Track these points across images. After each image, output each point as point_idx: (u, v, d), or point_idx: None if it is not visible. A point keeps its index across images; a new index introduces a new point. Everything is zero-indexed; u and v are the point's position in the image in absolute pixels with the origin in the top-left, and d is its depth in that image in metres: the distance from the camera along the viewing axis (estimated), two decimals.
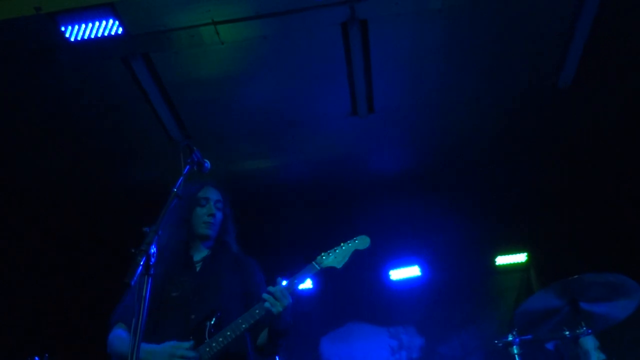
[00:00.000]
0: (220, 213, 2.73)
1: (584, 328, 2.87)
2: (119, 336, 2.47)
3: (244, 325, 2.35)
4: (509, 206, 5.72)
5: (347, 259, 2.55)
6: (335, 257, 2.54)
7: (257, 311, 2.37)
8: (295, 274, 2.48)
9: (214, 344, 2.36)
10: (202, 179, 2.79)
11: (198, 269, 2.64)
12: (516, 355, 3.05)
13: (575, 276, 2.89)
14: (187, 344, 2.33)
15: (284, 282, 2.43)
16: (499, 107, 4.62)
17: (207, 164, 2.26)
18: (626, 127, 4.84)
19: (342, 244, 2.60)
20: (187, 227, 2.64)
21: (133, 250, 1.66)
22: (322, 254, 2.56)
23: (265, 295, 2.33)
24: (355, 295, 5.67)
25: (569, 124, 4.81)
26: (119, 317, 2.55)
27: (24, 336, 5.31)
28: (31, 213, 5.41)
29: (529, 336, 3.12)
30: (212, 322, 2.43)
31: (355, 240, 2.62)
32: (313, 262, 2.54)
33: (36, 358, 2.91)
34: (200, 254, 2.68)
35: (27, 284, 5.54)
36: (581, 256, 5.24)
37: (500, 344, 3.11)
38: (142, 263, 1.63)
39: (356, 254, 2.66)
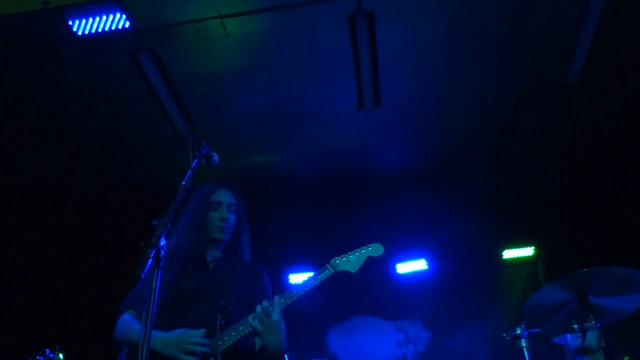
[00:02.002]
0: (234, 216, 2.76)
1: (593, 321, 2.86)
2: (127, 322, 2.50)
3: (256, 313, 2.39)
4: (516, 199, 5.70)
5: (361, 264, 2.60)
6: (349, 262, 2.58)
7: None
8: (311, 277, 2.53)
9: (226, 338, 2.40)
10: (215, 180, 2.84)
11: (211, 268, 2.70)
12: (524, 349, 3.05)
13: (584, 269, 2.88)
14: (199, 332, 2.36)
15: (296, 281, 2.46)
16: (506, 102, 4.60)
17: (215, 157, 2.26)
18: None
19: (355, 250, 2.63)
20: (202, 231, 2.69)
21: (143, 243, 1.67)
22: (336, 257, 2.60)
23: (258, 307, 2.39)
24: (362, 289, 5.66)
25: (576, 118, 4.79)
26: (128, 304, 2.58)
27: (24, 336, 5.30)
28: (31, 213, 5.42)
29: (537, 329, 3.11)
30: (223, 316, 2.46)
31: (369, 247, 2.66)
32: (327, 265, 2.57)
33: (47, 350, 2.95)
34: (213, 256, 2.73)
35: (27, 284, 5.54)
36: (589, 250, 5.22)
37: (509, 337, 3.12)
38: (152, 256, 1.64)
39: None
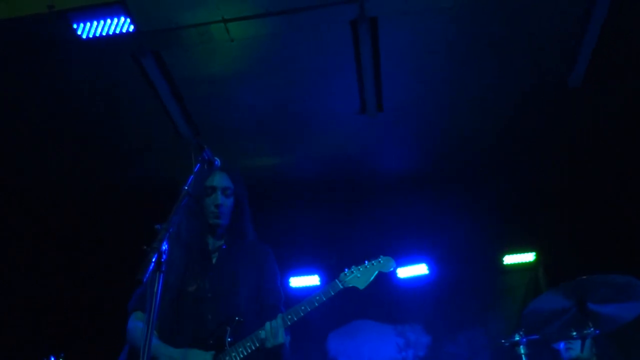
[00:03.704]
0: (231, 199, 2.66)
1: (592, 329, 2.87)
2: (139, 328, 2.45)
3: (261, 339, 2.40)
4: (517, 205, 5.70)
5: (370, 280, 2.55)
6: (358, 277, 2.54)
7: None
8: (319, 292, 2.50)
9: (234, 354, 2.39)
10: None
11: (214, 260, 2.61)
12: (523, 355, 3.05)
13: (584, 277, 2.89)
14: (209, 356, 2.35)
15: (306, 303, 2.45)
16: (506, 102, 4.59)
17: (217, 162, 2.25)
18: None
19: (366, 263, 2.58)
20: (199, 218, 2.60)
21: (145, 248, 1.68)
22: (345, 270, 2.55)
23: (266, 325, 2.38)
24: (362, 293, 5.64)
25: (577, 119, 4.78)
26: (138, 305, 2.54)
27: (24, 336, 5.31)
28: (31, 213, 5.43)
29: (536, 336, 3.12)
30: (231, 328, 2.44)
31: (380, 260, 2.60)
32: (337, 280, 2.53)
33: (52, 357, 2.95)
34: (214, 244, 2.65)
35: (27, 284, 5.54)
36: (590, 256, 5.21)
37: (507, 344, 3.12)
38: (154, 260, 1.64)
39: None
